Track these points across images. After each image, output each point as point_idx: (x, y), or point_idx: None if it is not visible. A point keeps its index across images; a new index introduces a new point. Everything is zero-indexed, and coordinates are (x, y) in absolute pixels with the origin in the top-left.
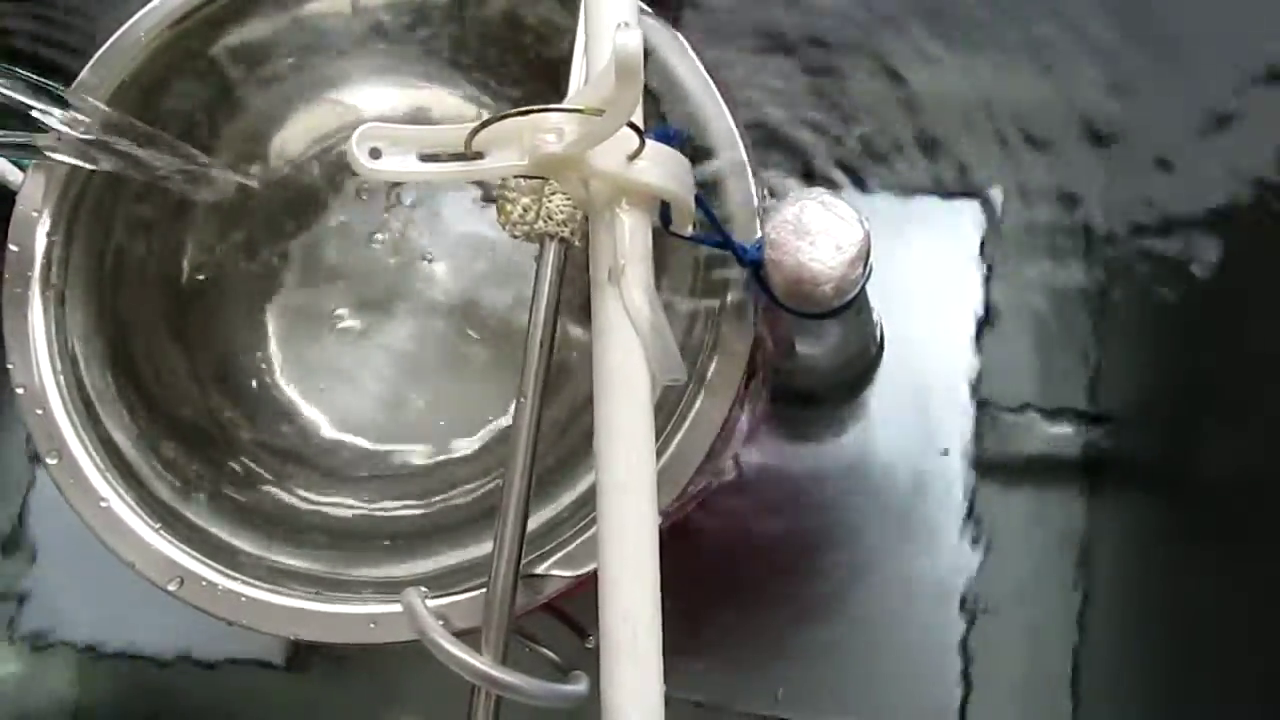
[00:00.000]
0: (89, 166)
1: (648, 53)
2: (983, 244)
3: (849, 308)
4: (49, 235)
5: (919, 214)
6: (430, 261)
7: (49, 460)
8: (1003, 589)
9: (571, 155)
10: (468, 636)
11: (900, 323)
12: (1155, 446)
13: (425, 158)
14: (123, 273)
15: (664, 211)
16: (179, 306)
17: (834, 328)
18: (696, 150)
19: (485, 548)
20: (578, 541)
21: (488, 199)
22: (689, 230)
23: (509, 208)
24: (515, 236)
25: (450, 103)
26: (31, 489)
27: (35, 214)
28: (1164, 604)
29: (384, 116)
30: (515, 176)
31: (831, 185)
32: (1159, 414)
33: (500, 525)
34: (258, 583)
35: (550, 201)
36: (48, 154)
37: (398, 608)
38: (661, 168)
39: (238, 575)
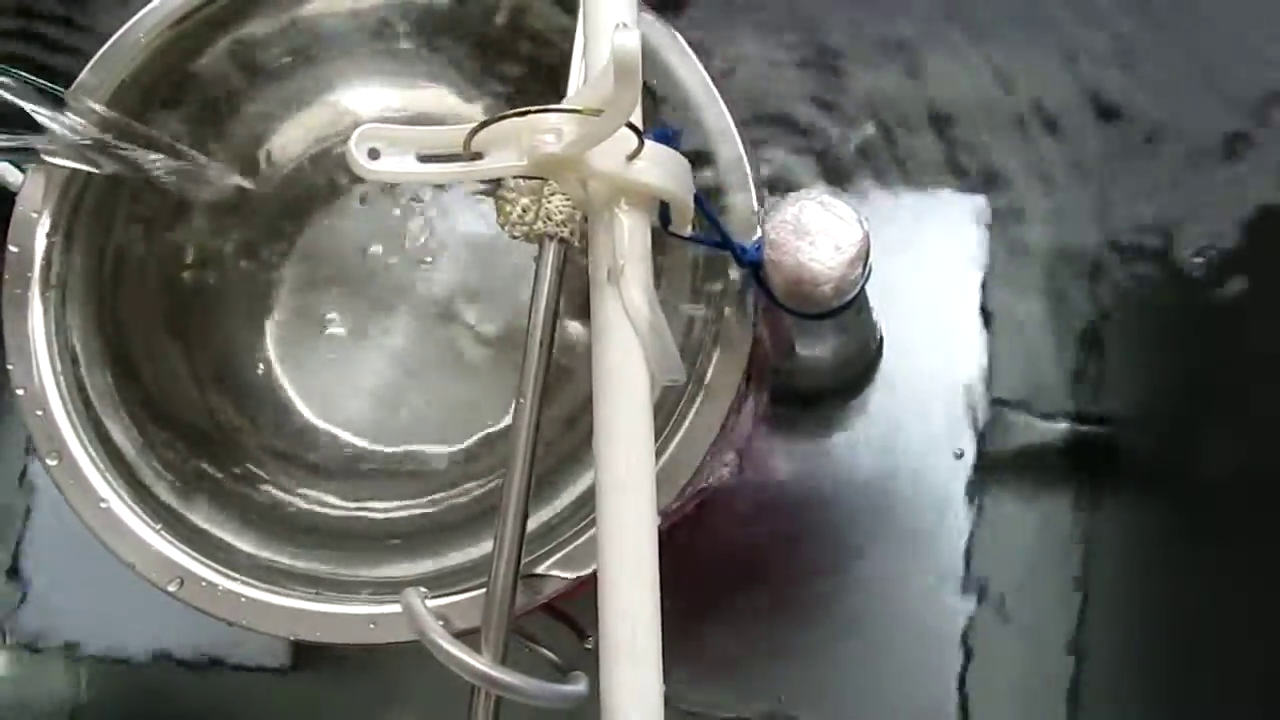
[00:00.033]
0: (88, 170)
1: (646, 52)
2: (982, 244)
3: (848, 308)
4: (49, 236)
5: (919, 213)
6: (429, 262)
7: (49, 461)
8: (1002, 589)
9: (570, 156)
10: (467, 637)
11: (900, 323)
12: (1155, 446)
13: (424, 158)
14: (122, 273)
15: (663, 211)
16: (179, 307)
17: (833, 328)
18: (698, 155)
19: (485, 548)
20: (577, 542)
21: (487, 198)
22: (688, 230)
23: (508, 208)
24: (514, 237)
25: (449, 104)
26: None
27: (35, 215)
28: (1164, 604)
29: (383, 117)
30: (514, 177)
31: (831, 184)
32: (1159, 414)
33: (500, 525)
34: (257, 583)
35: (549, 202)
36: (47, 159)
37: (397, 608)
38: (660, 168)
39: (238, 576)
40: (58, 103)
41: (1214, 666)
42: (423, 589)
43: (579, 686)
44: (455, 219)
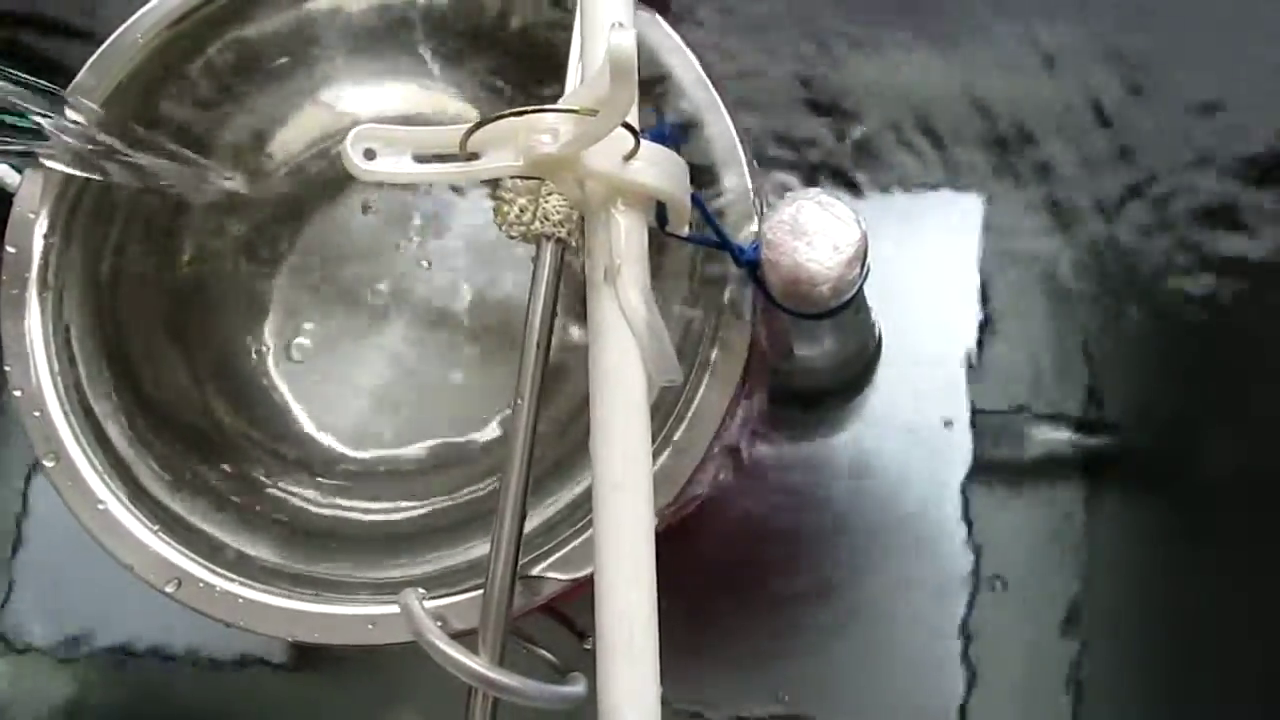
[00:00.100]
0: (86, 175)
1: (643, 51)
2: (982, 244)
3: (847, 308)
4: (46, 237)
5: (918, 213)
6: (428, 263)
7: (47, 463)
8: (1003, 589)
9: (567, 156)
10: (465, 638)
11: (899, 323)
12: (1155, 447)
13: (420, 159)
14: (120, 274)
15: (660, 212)
16: (177, 308)
17: (832, 328)
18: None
19: (483, 549)
20: (575, 543)
21: (486, 199)
22: (685, 230)
23: (505, 208)
24: (512, 237)
25: (446, 104)
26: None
27: (32, 215)
28: (1164, 604)
29: (380, 117)
30: (511, 177)
31: (829, 184)
32: (1159, 414)
33: (497, 527)
34: (255, 584)
35: (547, 202)
36: (46, 163)
37: (396, 609)
38: (657, 168)
39: (235, 577)
40: (56, 102)
41: (1214, 666)
42: (421, 590)
43: (577, 687)
44: (454, 220)
